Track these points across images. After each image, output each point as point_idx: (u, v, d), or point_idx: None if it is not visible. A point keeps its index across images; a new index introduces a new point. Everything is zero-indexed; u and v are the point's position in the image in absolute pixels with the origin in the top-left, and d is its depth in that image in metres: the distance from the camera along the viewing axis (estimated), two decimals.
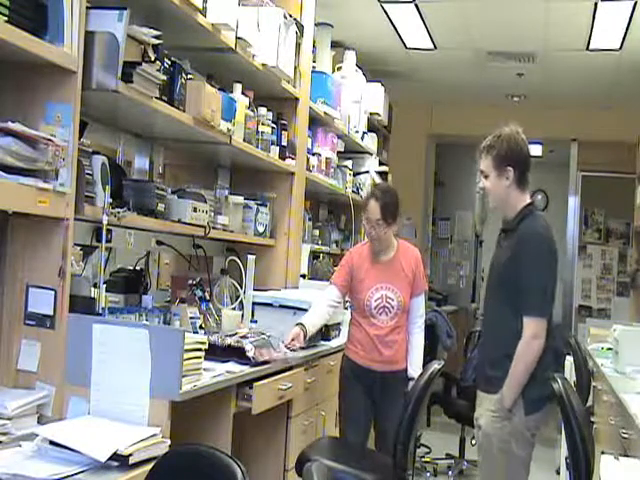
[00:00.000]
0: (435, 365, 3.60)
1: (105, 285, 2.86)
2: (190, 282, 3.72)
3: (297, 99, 4.46)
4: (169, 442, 2.33)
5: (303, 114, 4.57)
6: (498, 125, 3.19)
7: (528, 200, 3.11)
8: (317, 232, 5.51)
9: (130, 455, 2.14)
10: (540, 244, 3.01)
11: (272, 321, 3.91)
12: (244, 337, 3.28)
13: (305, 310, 4.06)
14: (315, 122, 4.89)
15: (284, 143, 4.27)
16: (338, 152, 5.39)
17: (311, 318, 3.77)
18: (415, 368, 3.84)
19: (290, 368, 3.56)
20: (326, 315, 3.91)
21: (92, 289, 2.82)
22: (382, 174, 6.56)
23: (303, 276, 4.76)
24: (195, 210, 3.36)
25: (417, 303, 3.92)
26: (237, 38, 3.49)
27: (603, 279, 9.18)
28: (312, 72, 4.75)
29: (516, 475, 3.07)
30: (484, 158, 3.10)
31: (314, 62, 4.96)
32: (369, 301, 3.82)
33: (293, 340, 3.59)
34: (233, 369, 3.06)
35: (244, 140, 3.71)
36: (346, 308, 4.45)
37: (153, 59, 2.72)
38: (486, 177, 3.10)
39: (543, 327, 2.97)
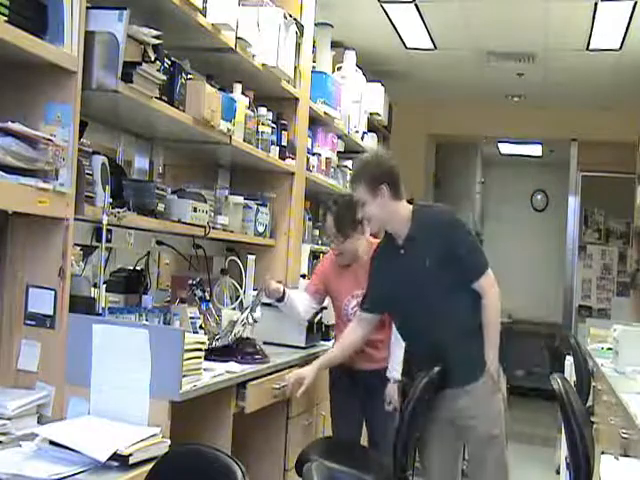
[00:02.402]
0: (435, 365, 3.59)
1: (105, 285, 2.86)
2: (190, 282, 3.72)
3: (297, 99, 4.46)
4: (169, 442, 2.33)
5: (303, 114, 4.57)
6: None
7: (409, 206, 3.22)
8: (317, 232, 5.51)
9: (130, 455, 2.14)
10: (451, 218, 3.24)
11: (272, 321, 3.91)
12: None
13: None
14: (315, 122, 4.88)
15: (284, 143, 4.26)
16: (338, 152, 5.39)
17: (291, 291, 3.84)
18: (391, 370, 3.75)
19: (286, 368, 3.57)
20: (304, 301, 3.88)
21: (92, 289, 2.83)
22: None
23: (303, 276, 4.76)
24: (195, 210, 3.36)
25: None
26: (237, 38, 3.49)
27: (603, 279, 9.19)
28: (312, 72, 4.75)
29: (506, 457, 3.23)
30: (356, 188, 3.21)
31: (314, 62, 4.95)
32: (345, 310, 3.80)
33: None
34: (233, 369, 3.06)
35: (244, 140, 3.71)
36: None
37: (153, 59, 2.72)
38: (363, 205, 3.19)
39: (492, 277, 3.17)
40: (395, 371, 3.73)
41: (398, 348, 3.75)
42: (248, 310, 3.45)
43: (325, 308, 4.21)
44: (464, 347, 3.14)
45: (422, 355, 3.28)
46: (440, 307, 3.17)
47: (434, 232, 3.14)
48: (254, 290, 3.81)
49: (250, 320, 3.40)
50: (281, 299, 3.74)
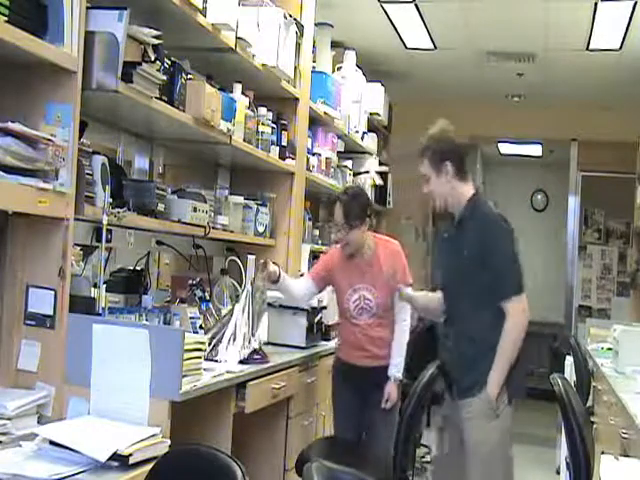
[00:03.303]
0: (435, 365, 3.59)
1: (105, 285, 2.86)
2: (190, 282, 3.72)
3: (297, 99, 4.46)
4: (169, 442, 2.33)
5: (303, 114, 4.57)
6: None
7: (472, 190, 3.14)
8: (317, 232, 5.51)
9: (130, 455, 2.14)
10: (499, 226, 3.06)
11: (272, 321, 3.91)
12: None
13: (305, 310, 4.07)
14: (315, 122, 4.88)
15: (284, 143, 4.26)
16: (338, 152, 5.39)
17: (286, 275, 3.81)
18: (392, 367, 3.74)
19: (285, 368, 3.57)
20: (302, 283, 3.87)
21: (92, 289, 2.83)
22: (382, 174, 6.56)
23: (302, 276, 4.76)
24: (195, 210, 3.36)
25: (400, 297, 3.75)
26: (237, 38, 3.49)
27: (603, 279, 9.18)
28: (312, 72, 4.75)
29: (507, 473, 3.08)
30: (421, 162, 3.14)
31: (314, 62, 4.95)
32: (347, 303, 3.77)
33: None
34: (233, 369, 3.07)
35: (244, 140, 3.71)
36: None
37: (153, 59, 2.73)
38: (428, 180, 3.14)
39: (525, 302, 3.00)
40: (396, 369, 3.73)
41: (400, 348, 3.76)
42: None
43: (325, 308, 4.21)
44: (471, 357, 3.05)
45: (440, 343, 3.24)
46: (462, 304, 3.10)
47: (478, 229, 3.05)
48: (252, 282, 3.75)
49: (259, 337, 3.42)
50: (276, 281, 3.69)
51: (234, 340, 3.31)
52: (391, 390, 3.72)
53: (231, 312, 3.43)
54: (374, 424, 3.82)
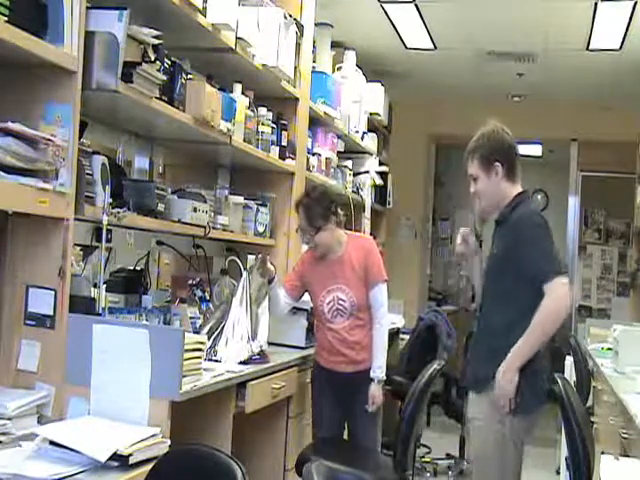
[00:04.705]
0: (435, 365, 3.59)
1: (105, 285, 2.87)
2: (190, 282, 3.72)
3: (297, 99, 4.46)
4: (169, 442, 2.33)
5: (303, 114, 4.57)
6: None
7: (520, 189, 3.08)
8: None
9: (130, 455, 2.14)
10: (534, 221, 2.96)
11: (272, 321, 3.91)
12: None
13: (305, 310, 4.06)
14: (315, 122, 4.88)
15: (284, 143, 4.26)
16: (338, 152, 5.39)
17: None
18: (375, 369, 3.65)
19: (285, 368, 3.57)
20: (281, 297, 3.78)
21: (92, 289, 2.83)
22: (382, 174, 6.56)
23: None
24: (195, 210, 3.35)
25: (374, 296, 3.68)
26: (237, 38, 3.49)
27: (603, 279, 9.19)
28: (312, 72, 4.75)
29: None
30: (471, 162, 3.08)
31: (314, 62, 4.95)
32: (322, 306, 3.69)
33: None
34: (233, 369, 3.07)
35: (244, 140, 3.71)
36: None
37: (153, 59, 2.72)
38: (475, 180, 3.08)
39: (567, 286, 2.82)
40: (379, 371, 3.66)
41: (381, 349, 3.68)
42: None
43: None
44: (490, 350, 2.99)
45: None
46: (488, 300, 3.07)
47: (509, 227, 2.99)
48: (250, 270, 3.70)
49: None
50: (270, 281, 3.67)
51: (233, 336, 3.30)
52: (375, 392, 3.64)
53: (229, 303, 3.42)
54: (357, 431, 3.73)
